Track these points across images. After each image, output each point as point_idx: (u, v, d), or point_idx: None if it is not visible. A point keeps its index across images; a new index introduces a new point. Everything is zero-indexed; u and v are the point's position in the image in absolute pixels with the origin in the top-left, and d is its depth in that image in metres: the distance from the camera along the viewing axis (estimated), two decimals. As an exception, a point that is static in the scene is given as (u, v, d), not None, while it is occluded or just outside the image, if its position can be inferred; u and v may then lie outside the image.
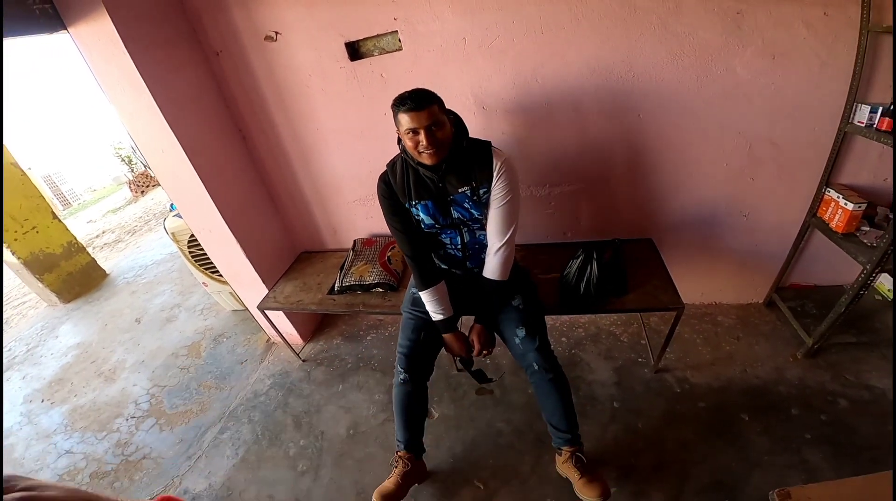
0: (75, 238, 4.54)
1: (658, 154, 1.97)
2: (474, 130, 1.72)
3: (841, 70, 1.62)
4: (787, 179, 1.92)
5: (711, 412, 1.92)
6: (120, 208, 8.40)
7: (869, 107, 1.56)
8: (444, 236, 1.64)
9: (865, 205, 1.71)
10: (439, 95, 1.40)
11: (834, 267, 2.14)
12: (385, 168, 1.59)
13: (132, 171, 9.70)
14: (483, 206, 1.52)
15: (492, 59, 1.85)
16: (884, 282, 2.14)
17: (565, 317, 2.55)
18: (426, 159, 1.41)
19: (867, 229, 1.76)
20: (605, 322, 2.48)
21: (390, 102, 1.39)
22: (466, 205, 1.52)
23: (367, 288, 2.21)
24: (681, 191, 2.06)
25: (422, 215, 1.56)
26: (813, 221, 1.93)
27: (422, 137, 1.35)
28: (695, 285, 2.35)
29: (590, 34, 1.72)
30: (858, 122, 1.62)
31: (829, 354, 2.04)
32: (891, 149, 1.51)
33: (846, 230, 1.76)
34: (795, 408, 1.86)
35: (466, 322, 1.76)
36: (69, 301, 4.34)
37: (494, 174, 1.46)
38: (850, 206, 1.72)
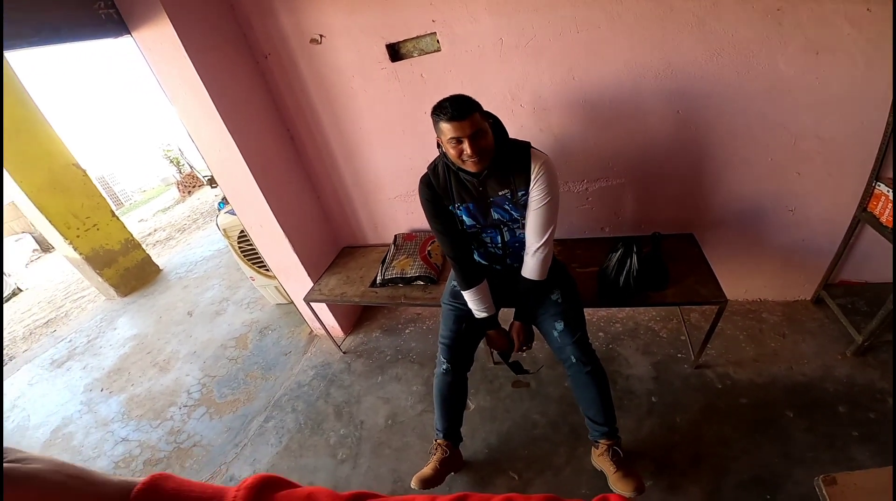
0: (132, 235, 4.78)
1: (699, 150, 1.96)
2: (512, 129, 1.74)
3: (887, 65, 1.57)
4: (834, 174, 1.87)
5: (753, 408, 1.89)
6: (169, 207, 8.81)
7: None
8: (484, 235, 1.67)
9: (917, 199, 1.66)
10: (478, 94, 1.43)
11: (886, 263, 2.05)
12: (426, 170, 1.61)
13: (180, 172, 10.15)
14: (522, 207, 1.55)
15: (529, 58, 1.88)
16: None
17: (602, 312, 2.55)
18: (471, 167, 1.42)
19: (920, 222, 1.70)
20: (644, 318, 2.47)
21: (430, 102, 1.42)
22: (506, 207, 1.55)
23: (408, 281, 2.27)
24: (723, 186, 2.04)
25: (464, 217, 1.59)
26: (863, 215, 1.87)
27: (465, 146, 1.36)
28: (738, 282, 2.30)
29: (626, 33, 1.73)
30: (908, 115, 1.57)
31: (880, 352, 1.97)
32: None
33: (897, 225, 1.71)
34: (843, 406, 1.82)
35: (506, 313, 1.80)
36: (126, 295, 4.58)
37: (532, 177, 1.47)
38: (900, 200, 1.66)
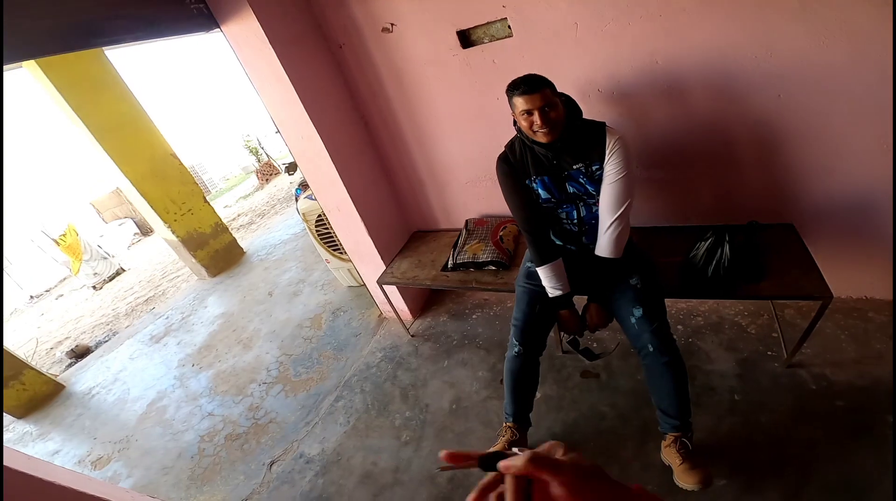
0: (221, 219, 5.16)
1: (801, 136, 1.77)
2: (589, 113, 1.70)
3: None
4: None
5: (850, 412, 1.73)
6: (249, 194, 9.41)
7: None
8: (560, 211, 1.68)
9: None
10: (552, 78, 1.44)
11: None
12: (503, 149, 1.67)
13: (258, 161, 10.81)
14: (597, 182, 1.56)
15: (605, 43, 1.80)
16: None
17: (682, 304, 2.41)
18: (541, 138, 1.48)
19: None
20: (730, 312, 2.29)
21: (502, 88, 1.48)
22: (581, 180, 1.57)
23: (480, 266, 2.27)
24: (829, 174, 1.83)
25: (539, 191, 1.62)
26: None
27: (535, 117, 1.44)
28: (843, 277, 2.05)
29: (715, 15, 1.60)
30: None
31: None
32: None
33: None
34: (953, 413, 1.61)
35: (579, 301, 1.75)
36: (215, 275, 4.97)
37: (607, 152, 1.50)
38: None
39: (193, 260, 4.86)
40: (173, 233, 4.66)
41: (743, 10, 1.56)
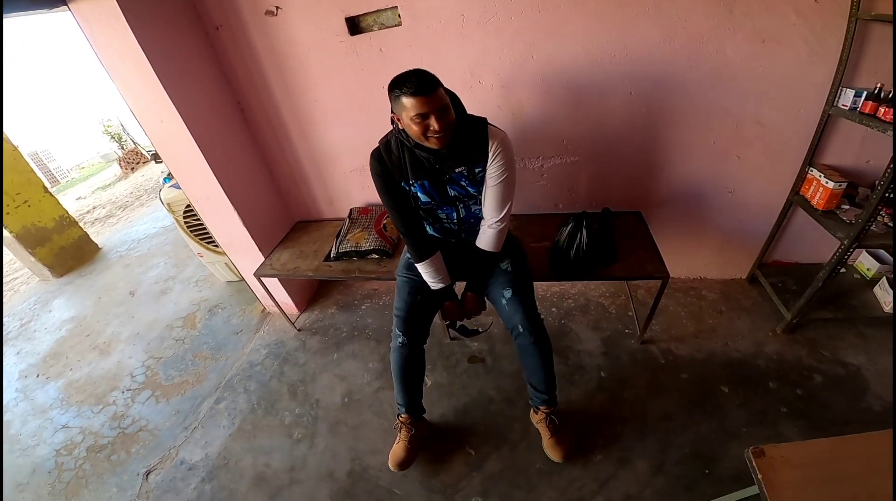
0: (67, 212, 4.50)
1: (648, 131, 2.03)
2: (470, 105, 1.75)
3: (828, 55, 1.67)
4: (772, 159, 1.99)
5: (693, 384, 2.00)
6: (110, 184, 8.28)
7: (853, 91, 1.62)
8: (440, 211, 1.66)
9: (846, 184, 1.78)
10: (438, 69, 1.37)
11: (814, 245, 2.22)
12: (377, 145, 1.55)
13: (122, 148, 9.61)
14: (479, 184, 1.54)
15: (489, 36, 1.88)
16: (863, 261, 2.22)
17: (556, 288, 2.62)
18: (434, 144, 1.36)
19: (847, 207, 1.83)
20: (595, 294, 2.55)
21: (389, 76, 1.33)
22: (463, 183, 1.54)
23: (363, 254, 2.25)
24: (670, 167, 2.12)
25: (419, 194, 1.57)
26: (796, 198, 2.00)
27: (432, 121, 1.29)
28: (681, 260, 2.42)
29: (586, 14, 1.76)
30: (842, 105, 1.68)
31: (807, 330, 2.13)
32: (873, 131, 1.58)
33: (826, 208, 1.84)
34: (773, 382, 1.94)
35: (459, 288, 1.82)
36: (62, 275, 4.30)
37: (490, 154, 1.45)
38: (830, 184, 1.78)
39: (33, 259, 4.15)
40: (5, 228, 3.95)
41: (607, 9, 1.73)
